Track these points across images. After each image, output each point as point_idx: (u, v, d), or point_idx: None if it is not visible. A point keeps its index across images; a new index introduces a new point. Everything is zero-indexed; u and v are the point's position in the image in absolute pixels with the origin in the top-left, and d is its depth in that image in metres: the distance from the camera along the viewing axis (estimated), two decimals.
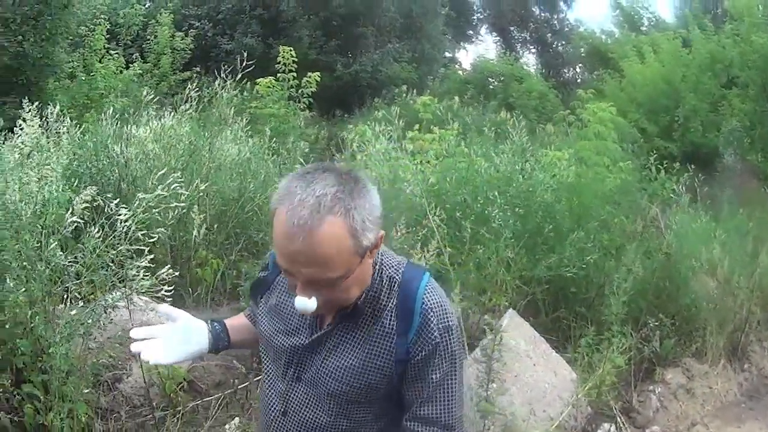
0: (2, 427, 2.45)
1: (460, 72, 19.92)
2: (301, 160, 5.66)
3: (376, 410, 1.30)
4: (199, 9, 13.46)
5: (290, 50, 7.85)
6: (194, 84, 4.94)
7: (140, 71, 10.08)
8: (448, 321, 1.26)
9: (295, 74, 7.95)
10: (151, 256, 2.87)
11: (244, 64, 4.96)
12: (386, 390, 1.27)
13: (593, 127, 5.40)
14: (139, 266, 2.92)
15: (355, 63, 14.52)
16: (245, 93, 8.07)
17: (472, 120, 9.65)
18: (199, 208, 3.95)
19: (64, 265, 2.62)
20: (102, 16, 9.90)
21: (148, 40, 11.41)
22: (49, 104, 4.26)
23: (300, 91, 7.87)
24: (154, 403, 3.03)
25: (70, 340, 2.40)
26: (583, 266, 4.03)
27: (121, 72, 9.45)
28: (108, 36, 9.94)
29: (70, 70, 8.67)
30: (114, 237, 2.78)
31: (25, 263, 2.49)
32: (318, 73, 8.01)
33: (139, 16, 11.40)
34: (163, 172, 3.10)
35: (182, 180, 3.18)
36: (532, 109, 13.33)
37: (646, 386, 4.08)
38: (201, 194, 3.96)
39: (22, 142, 3.26)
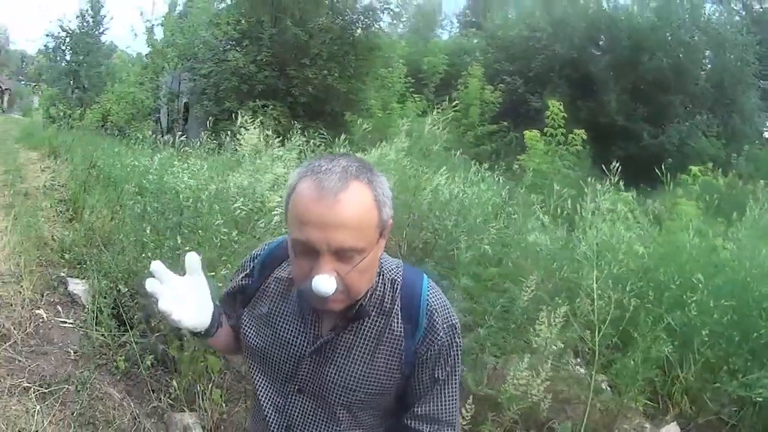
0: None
1: None
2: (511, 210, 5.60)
3: (383, 413, 1.30)
4: (511, 65, 14.23)
5: (559, 105, 7.92)
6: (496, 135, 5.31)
7: (444, 118, 11.14)
8: (452, 320, 1.26)
9: (562, 131, 7.98)
10: None
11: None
12: (396, 392, 1.27)
13: None
14: None
15: (663, 133, 13.58)
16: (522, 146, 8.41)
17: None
18: None
19: (228, 240, 3.38)
20: (401, 60, 11.11)
21: (458, 89, 12.49)
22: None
23: (566, 148, 7.89)
24: None
25: None
26: None
27: (420, 116, 10.57)
28: (413, 80, 11.14)
29: (371, 107, 9.73)
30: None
31: (200, 231, 3.33)
32: (583, 131, 7.91)
33: (442, 65, 12.55)
34: None
35: None
36: None
37: None
38: None
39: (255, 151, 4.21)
